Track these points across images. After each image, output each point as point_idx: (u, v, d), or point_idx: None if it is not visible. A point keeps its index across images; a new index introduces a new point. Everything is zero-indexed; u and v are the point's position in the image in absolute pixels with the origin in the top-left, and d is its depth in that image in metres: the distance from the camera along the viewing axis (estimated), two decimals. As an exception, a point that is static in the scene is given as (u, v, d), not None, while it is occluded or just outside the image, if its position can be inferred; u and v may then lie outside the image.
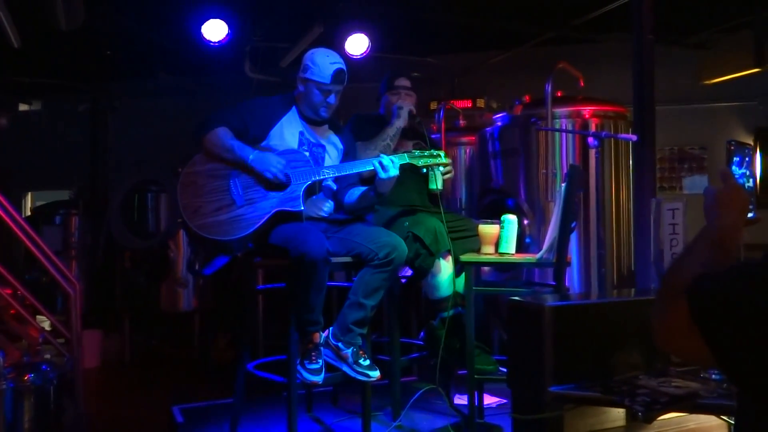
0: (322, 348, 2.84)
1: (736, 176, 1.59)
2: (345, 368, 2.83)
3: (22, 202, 7.81)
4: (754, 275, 1.03)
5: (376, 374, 2.84)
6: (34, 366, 3.11)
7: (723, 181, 1.31)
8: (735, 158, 1.62)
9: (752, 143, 6.19)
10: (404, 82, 3.45)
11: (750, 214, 1.29)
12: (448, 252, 3.10)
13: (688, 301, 1.06)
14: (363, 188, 3.02)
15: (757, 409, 1.06)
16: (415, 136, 3.44)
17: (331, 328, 2.88)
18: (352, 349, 2.82)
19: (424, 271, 3.08)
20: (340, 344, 2.84)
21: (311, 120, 3.06)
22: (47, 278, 4.64)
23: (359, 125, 3.34)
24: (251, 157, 2.85)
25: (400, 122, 3.26)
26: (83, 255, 5.93)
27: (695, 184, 6.43)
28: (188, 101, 6.65)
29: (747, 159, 1.64)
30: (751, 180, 1.65)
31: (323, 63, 2.96)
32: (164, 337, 5.63)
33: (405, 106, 3.29)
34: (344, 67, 2.99)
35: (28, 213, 7.24)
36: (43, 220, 5.99)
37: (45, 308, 3.65)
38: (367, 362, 2.84)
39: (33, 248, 3.61)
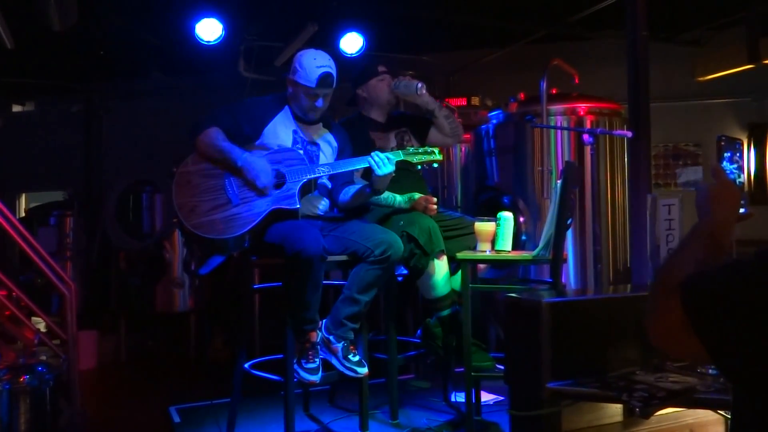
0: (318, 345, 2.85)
1: (727, 172, 1.59)
2: (334, 362, 2.84)
3: (16, 204, 7.78)
4: (747, 272, 1.03)
5: (364, 370, 2.84)
6: (30, 367, 3.10)
7: (714, 176, 1.30)
8: (726, 154, 1.63)
9: (745, 139, 6.22)
10: (384, 68, 3.46)
11: (741, 210, 1.28)
12: (443, 251, 3.10)
13: (681, 297, 1.06)
14: (358, 186, 3.02)
15: (752, 403, 1.06)
16: (397, 125, 3.43)
17: (324, 321, 2.89)
18: (343, 344, 2.83)
19: (419, 271, 3.08)
20: (331, 337, 2.85)
21: (304, 119, 3.06)
22: (42, 279, 4.61)
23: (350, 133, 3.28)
24: (239, 163, 2.84)
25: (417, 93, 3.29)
26: (78, 256, 5.90)
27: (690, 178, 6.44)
28: (182, 101, 6.62)
29: (738, 154, 1.65)
30: (742, 176, 1.65)
31: (310, 66, 2.91)
32: (160, 337, 5.61)
33: (401, 78, 3.32)
34: (332, 71, 2.92)
35: (23, 214, 7.21)
36: (38, 221, 5.96)
37: (40, 309, 3.63)
38: (357, 358, 2.85)
39: (28, 249, 3.59)
